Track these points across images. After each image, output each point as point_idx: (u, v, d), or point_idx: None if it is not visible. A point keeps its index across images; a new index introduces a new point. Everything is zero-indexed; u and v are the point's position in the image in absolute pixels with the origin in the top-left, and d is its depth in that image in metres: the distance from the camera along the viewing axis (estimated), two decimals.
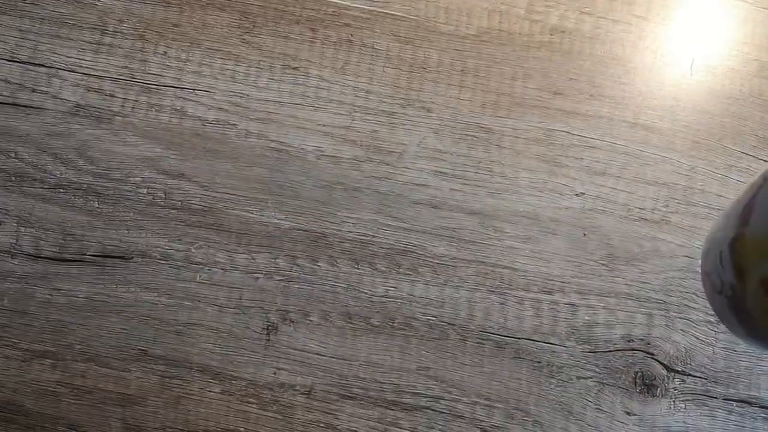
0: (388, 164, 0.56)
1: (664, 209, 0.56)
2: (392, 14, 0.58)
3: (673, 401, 0.52)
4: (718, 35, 0.60)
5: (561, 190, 0.56)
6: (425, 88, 0.57)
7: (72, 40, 0.56)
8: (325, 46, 0.57)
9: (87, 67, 0.56)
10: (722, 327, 0.54)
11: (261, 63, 0.56)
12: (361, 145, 0.56)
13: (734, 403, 0.53)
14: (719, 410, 0.53)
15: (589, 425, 0.52)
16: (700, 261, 0.54)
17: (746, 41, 0.60)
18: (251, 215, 0.54)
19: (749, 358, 0.54)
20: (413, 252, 0.54)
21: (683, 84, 0.58)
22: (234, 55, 0.56)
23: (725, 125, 0.57)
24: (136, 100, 0.55)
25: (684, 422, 0.52)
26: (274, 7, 0.57)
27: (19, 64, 0.55)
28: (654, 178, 0.56)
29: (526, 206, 0.55)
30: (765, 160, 0.56)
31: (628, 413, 0.52)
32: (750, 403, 0.53)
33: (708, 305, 0.54)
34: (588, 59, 0.58)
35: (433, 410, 0.52)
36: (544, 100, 0.57)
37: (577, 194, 0.55)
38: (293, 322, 0.53)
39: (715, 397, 0.53)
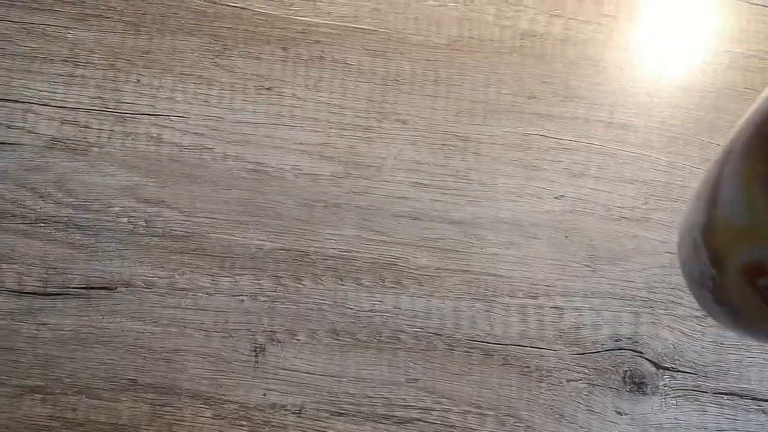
0: (366, 179, 0.56)
1: (644, 207, 0.56)
2: (362, 28, 0.58)
3: (664, 398, 0.52)
4: (688, 29, 0.60)
5: (540, 194, 0.56)
6: (400, 100, 0.57)
7: (44, 74, 0.56)
8: (297, 64, 0.57)
9: (60, 100, 0.56)
10: (709, 321, 0.54)
11: (234, 85, 0.56)
12: (339, 161, 0.56)
13: (725, 397, 0.53)
14: (711, 404, 0.53)
15: (581, 427, 0.52)
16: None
17: (717, 34, 0.60)
18: (233, 238, 0.54)
19: (738, 351, 0.54)
20: (397, 265, 0.54)
21: (656, 80, 0.58)
22: (206, 78, 0.56)
23: (700, 118, 0.58)
24: (112, 130, 0.55)
25: (676, 418, 0.52)
26: (244, 29, 0.57)
27: None
28: (632, 176, 0.56)
29: (506, 212, 0.55)
30: None
31: (619, 413, 0.52)
32: (741, 396, 0.53)
33: (694, 301, 0.54)
34: (560, 61, 0.58)
35: (424, 422, 0.52)
36: (519, 105, 0.57)
37: (556, 197, 0.56)
38: (280, 342, 0.53)
39: (706, 392, 0.53)
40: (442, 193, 0.55)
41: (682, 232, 0.28)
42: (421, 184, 0.56)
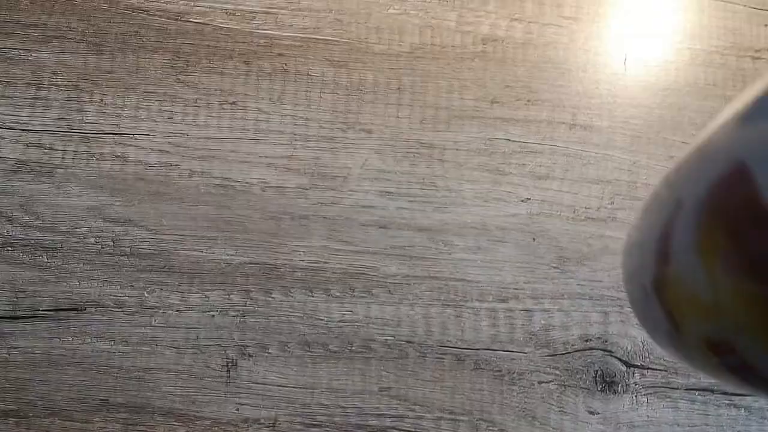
0: (333, 189, 0.56)
1: (610, 206, 0.56)
2: (324, 39, 0.58)
3: (635, 396, 0.53)
4: (649, 28, 0.60)
5: (506, 198, 0.56)
6: (364, 110, 0.57)
7: (7, 97, 0.56)
8: (260, 77, 0.57)
9: (25, 123, 0.56)
10: None
11: (198, 101, 0.57)
12: (305, 173, 0.56)
13: (696, 392, 0.53)
14: (682, 400, 0.53)
15: (554, 428, 0.52)
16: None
17: (677, 30, 0.60)
18: (201, 254, 0.54)
19: None
20: (366, 274, 0.55)
21: (618, 80, 0.59)
22: (170, 95, 0.57)
23: (663, 117, 0.58)
24: (76, 151, 0.55)
25: (647, 416, 0.52)
26: (206, 44, 0.58)
27: None
28: (597, 177, 0.57)
29: (473, 217, 0.56)
30: None
31: (591, 412, 0.52)
32: (712, 391, 0.53)
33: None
34: (522, 65, 0.58)
35: (398, 429, 0.52)
36: (482, 110, 0.58)
37: (522, 200, 0.56)
38: (252, 356, 0.53)
39: (677, 388, 0.53)
40: (409, 201, 0.56)
41: (628, 270, 0.24)
42: (387, 192, 0.56)
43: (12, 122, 0.56)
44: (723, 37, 0.61)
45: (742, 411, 0.53)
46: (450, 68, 0.58)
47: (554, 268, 0.55)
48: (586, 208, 0.56)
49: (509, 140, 0.57)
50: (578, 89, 0.58)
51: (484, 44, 0.59)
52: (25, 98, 0.56)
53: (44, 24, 0.57)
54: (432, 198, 0.56)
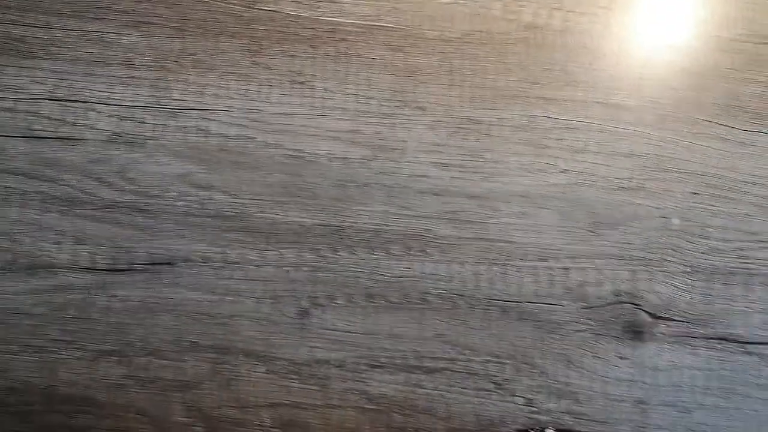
0: (392, 160, 0.63)
1: (639, 177, 0.63)
2: (383, 26, 0.65)
3: (660, 344, 0.60)
4: (678, 18, 0.66)
5: (547, 169, 0.63)
6: (418, 90, 0.64)
7: (102, 76, 0.63)
8: (326, 60, 0.64)
9: (118, 99, 0.63)
10: (698, 276, 0.61)
11: (271, 80, 0.63)
12: (367, 146, 0.63)
13: (714, 341, 0.60)
14: (701, 348, 0.60)
15: (587, 371, 0.59)
16: (674, 221, 0.61)
17: (706, 20, 0.66)
18: (277, 216, 0.62)
19: (725, 301, 0.61)
20: (422, 235, 0.62)
21: (647, 64, 0.65)
22: (246, 75, 0.63)
23: (688, 97, 0.64)
24: (165, 124, 0.62)
25: (671, 361, 0.60)
26: (278, 30, 0.64)
27: (58, 102, 0.63)
28: (628, 151, 0.63)
29: (517, 186, 0.62)
30: (724, 125, 0.63)
31: (621, 358, 0.60)
32: (728, 340, 0.60)
33: (685, 258, 0.61)
34: (560, 50, 0.65)
35: (451, 370, 0.59)
36: (525, 90, 0.64)
37: (561, 171, 0.63)
38: (322, 306, 0.60)
39: (697, 338, 0.60)
40: (460, 171, 0.62)
41: None
42: (440, 163, 0.63)
43: (106, 98, 0.63)
44: (746, 26, 0.67)
45: (756, 357, 0.60)
46: (496, 52, 0.64)
47: (589, 231, 0.62)
48: (618, 178, 0.63)
49: (549, 117, 0.63)
50: (611, 72, 0.65)
51: (526, 31, 0.65)
52: (118, 77, 0.63)
53: (133, 10, 0.64)
54: (480, 169, 0.63)
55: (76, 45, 0.63)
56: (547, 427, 0.57)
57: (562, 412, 0.59)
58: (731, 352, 0.60)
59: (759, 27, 0.66)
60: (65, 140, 0.62)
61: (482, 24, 0.65)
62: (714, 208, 0.62)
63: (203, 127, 0.62)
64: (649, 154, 0.63)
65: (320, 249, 0.61)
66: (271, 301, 0.60)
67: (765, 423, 0.59)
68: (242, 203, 0.62)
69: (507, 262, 0.61)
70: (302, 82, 0.63)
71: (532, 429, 0.54)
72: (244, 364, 0.60)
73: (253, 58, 0.64)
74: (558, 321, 0.60)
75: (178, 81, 0.63)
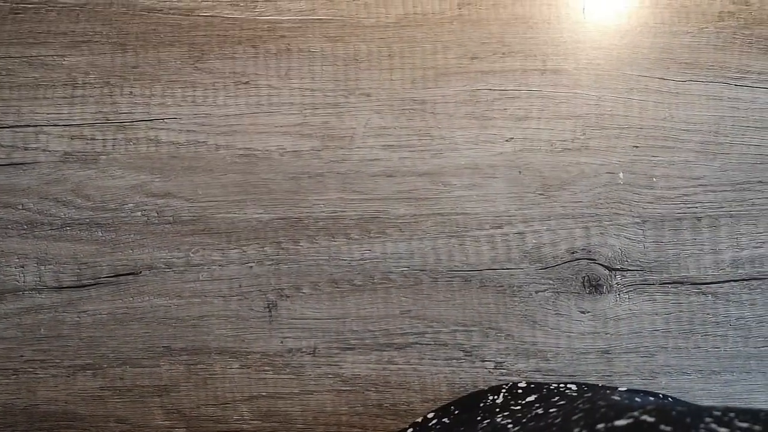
0: (342, 148, 0.64)
1: (582, 137, 0.65)
2: (320, 19, 0.66)
3: (618, 294, 0.62)
4: None
5: (493, 140, 0.64)
6: (361, 77, 0.65)
7: (48, 98, 0.64)
8: (267, 58, 0.65)
9: (66, 119, 0.64)
10: (648, 225, 0.63)
11: (216, 84, 0.65)
12: (316, 137, 0.64)
13: (669, 286, 0.62)
14: (658, 294, 0.62)
15: (552, 328, 0.61)
16: (619, 175, 0.63)
17: None
18: (235, 215, 0.63)
19: (675, 246, 0.63)
20: (379, 217, 0.63)
21: (579, 28, 0.67)
22: (191, 82, 0.64)
23: (621, 55, 0.66)
24: (115, 138, 0.63)
25: (630, 309, 0.62)
26: (217, 34, 0.65)
27: (8, 128, 0.63)
28: (569, 113, 0.65)
29: (466, 159, 0.64)
30: (659, 78, 0.66)
31: (582, 312, 0.61)
32: (682, 283, 0.62)
33: (633, 210, 0.63)
34: (495, 23, 0.67)
35: (420, 344, 0.61)
36: (465, 66, 0.66)
37: (507, 140, 0.64)
38: (288, 296, 0.62)
39: (653, 284, 0.62)
40: (409, 151, 0.64)
41: None
42: (389, 145, 0.64)
43: (55, 120, 0.64)
44: None
45: (710, 297, 0.62)
46: (432, 32, 0.66)
47: (539, 194, 0.63)
48: (561, 140, 0.64)
49: (490, 89, 0.65)
50: (545, 39, 0.66)
51: (459, 9, 0.67)
52: (63, 98, 0.64)
53: (72, 31, 0.65)
54: (429, 146, 0.64)
55: (18, 71, 0.64)
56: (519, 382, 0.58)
57: (532, 371, 0.61)
58: (687, 294, 0.62)
59: None
60: (18, 165, 0.63)
61: (416, 7, 0.67)
62: (656, 158, 0.64)
63: (153, 137, 0.63)
64: (589, 114, 0.65)
65: (281, 242, 0.62)
66: (238, 298, 0.62)
67: (725, 357, 0.61)
68: (200, 206, 0.63)
69: (464, 234, 0.63)
70: (246, 82, 0.65)
71: (505, 385, 0.55)
72: (218, 362, 0.61)
73: (196, 64, 0.65)
74: (519, 284, 0.62)
75: (123, 95, 0.64)
